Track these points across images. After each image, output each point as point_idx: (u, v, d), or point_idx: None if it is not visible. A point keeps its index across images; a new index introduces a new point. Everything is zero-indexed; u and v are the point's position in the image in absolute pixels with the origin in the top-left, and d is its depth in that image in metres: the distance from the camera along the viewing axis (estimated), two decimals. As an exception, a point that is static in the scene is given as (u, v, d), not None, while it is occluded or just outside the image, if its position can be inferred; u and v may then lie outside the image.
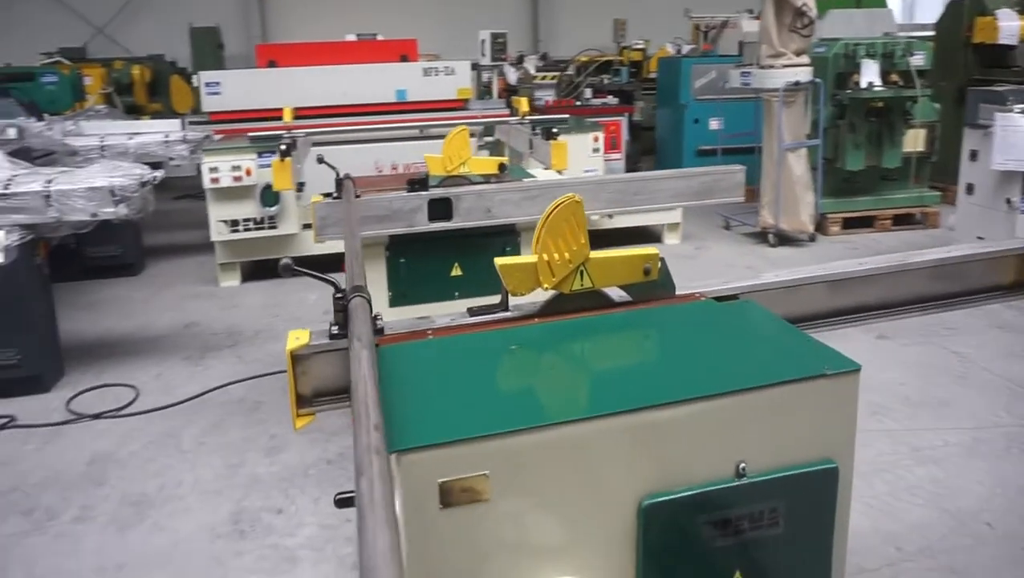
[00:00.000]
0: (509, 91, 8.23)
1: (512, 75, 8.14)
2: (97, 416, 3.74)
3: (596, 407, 1.19)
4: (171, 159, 5.61)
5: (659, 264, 1.59)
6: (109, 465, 3.29)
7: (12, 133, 4.44)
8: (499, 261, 1.50)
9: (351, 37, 7.51)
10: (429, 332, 1.52)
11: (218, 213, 5.41)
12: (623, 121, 7.14)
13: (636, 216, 6.32)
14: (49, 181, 3.50)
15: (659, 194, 3.33)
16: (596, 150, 5.49)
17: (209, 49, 9.49)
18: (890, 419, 3.45)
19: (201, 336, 4.82)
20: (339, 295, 1.49)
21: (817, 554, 1.32)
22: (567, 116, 5.58)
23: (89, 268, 5.99)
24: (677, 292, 1.68)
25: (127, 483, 3.14)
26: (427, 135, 6.68)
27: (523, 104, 5.62)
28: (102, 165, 3.69)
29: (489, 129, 6.70)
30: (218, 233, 5.47)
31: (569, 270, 1.53)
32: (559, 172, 4.30)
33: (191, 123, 6.03)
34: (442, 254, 3.28)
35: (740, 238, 6.60)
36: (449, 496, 1.11)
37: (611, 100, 7.58)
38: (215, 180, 5.20)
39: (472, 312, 1.61)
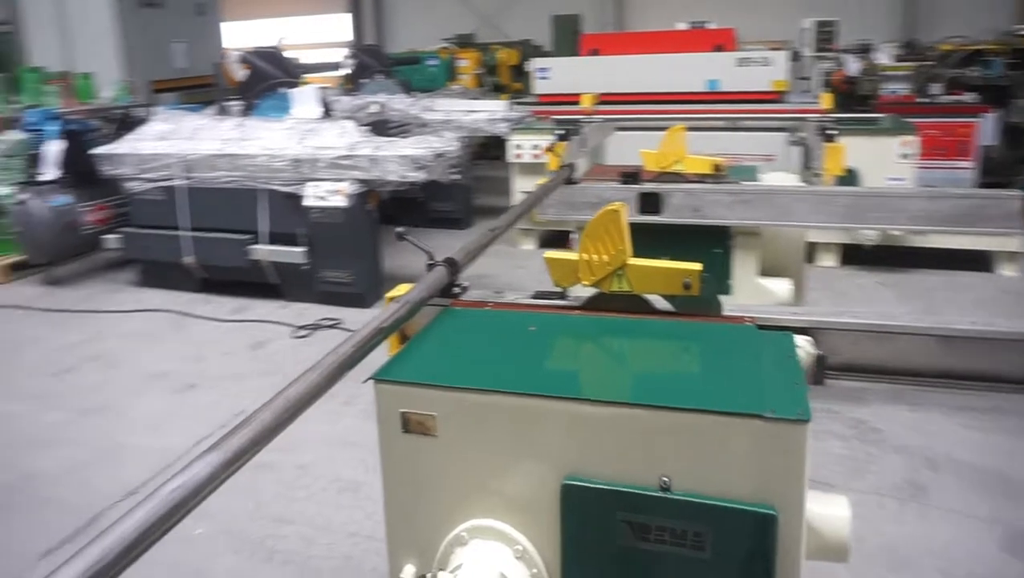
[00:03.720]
0: (849, 84, 7.48)
1: (853, 66, 7.35)
2: (383, 332, 4.82)
3: (535, 387, 1.39)
4: (495, 134, 6.58)
5: (700, 281, 1.62)
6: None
7: (375, 108, 5.76)
8: (547, 254, 1.72)
9: (682, 26, 7.63)
10: (490, 304, 1.83)
11: (519, 184, 6.20)
12: (980, 123, 6.01)
13: (965, 238, 5.39)
14: (377, 148, 4.55)
15: (899, 215, 2.96)
16: (905, 156, 4.81)
17: (567, 35, 10.46)
18: None
19: (483, 286, 5.71)
20: (430, 262, 1.89)
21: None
22: (878, 115, 4.95)
23: (431, 219, 7.41)
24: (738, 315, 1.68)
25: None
26: (738, 127, 6.57)
27: (826, 99, 5.22)
28: (415, 138, 4.62)
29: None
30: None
31: (607, 271, 1.68)
32: (836, 178, 4.01)
33: (516, 104, 6.92)
34: (652, 246, 3.42)
35: (1114, 283, 5.15)
36: (408, 424, 1.45)
37: (967, 97, 6.37)
38: (518, 155, 5.97)
39: (535, 295, 1.86)
